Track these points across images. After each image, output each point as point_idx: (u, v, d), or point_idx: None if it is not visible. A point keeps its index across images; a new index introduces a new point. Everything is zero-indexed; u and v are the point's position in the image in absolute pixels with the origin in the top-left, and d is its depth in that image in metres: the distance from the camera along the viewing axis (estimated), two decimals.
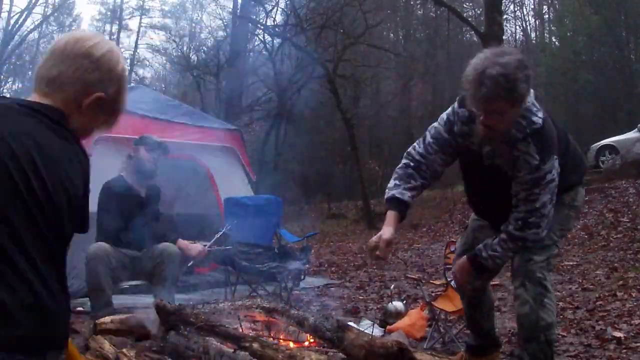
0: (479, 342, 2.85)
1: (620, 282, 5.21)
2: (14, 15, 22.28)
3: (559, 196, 2.36)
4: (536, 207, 2.24)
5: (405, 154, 2.52)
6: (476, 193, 2.62)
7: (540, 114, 2.25)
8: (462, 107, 2.37)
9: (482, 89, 2.08)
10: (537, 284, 2.32)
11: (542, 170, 2.21)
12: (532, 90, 2.24)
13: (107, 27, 30.16)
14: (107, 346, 2.50)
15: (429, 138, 2.47)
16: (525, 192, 2.25)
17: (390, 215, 2.49)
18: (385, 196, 2.51)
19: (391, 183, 2.50)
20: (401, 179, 2.46)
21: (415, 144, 2.51)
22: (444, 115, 2.48)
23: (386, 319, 3.97)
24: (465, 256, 2.55)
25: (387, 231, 2.43)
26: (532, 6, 26.91)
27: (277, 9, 18.07)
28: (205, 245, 3.97)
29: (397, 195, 2.44)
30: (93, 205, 3.84)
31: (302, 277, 5.20)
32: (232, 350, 2.29)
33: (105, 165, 4.99)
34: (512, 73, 2.06)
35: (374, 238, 2.45)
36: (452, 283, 3.76)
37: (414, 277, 4.26)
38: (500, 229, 2.37)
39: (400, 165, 2.51)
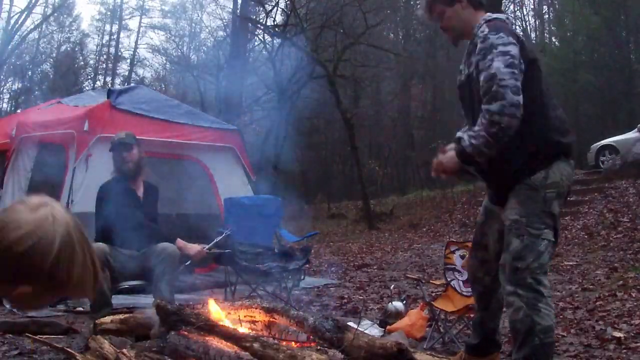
0: (481, 342, 2.83)
1: (620, 282, 5.21)
2: (14, 15, 22.28)
3: (526, 179, 2.30)
4: (492, 74, 2.18)
5: None
6: (468, 117, 2.56)
7: (495, 15, 2.42)
8: None
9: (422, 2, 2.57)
10: (529, 289, 2.25)
11: (489, 39, 2.26)
12: (489, 14, 2.43)
13: (107, 27, 30.24)
14: (107, 346, 2.49)
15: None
16: (481, 62, 2.26)
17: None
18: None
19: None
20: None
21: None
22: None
23: (386, 319, 3.97)
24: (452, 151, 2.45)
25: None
26: (532, 6, 26.92)
27: (277, 9, 18.10)
28: (204, 247, 3.96)
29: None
30: (93, 205, 3.86)
31: (302, 277, 5.20)
32: (233, 350, 2.29)
33: (105, 165, 5.01)
34: None
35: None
36: (452, 283, 3.77)
37: (414, 277, 4.26)
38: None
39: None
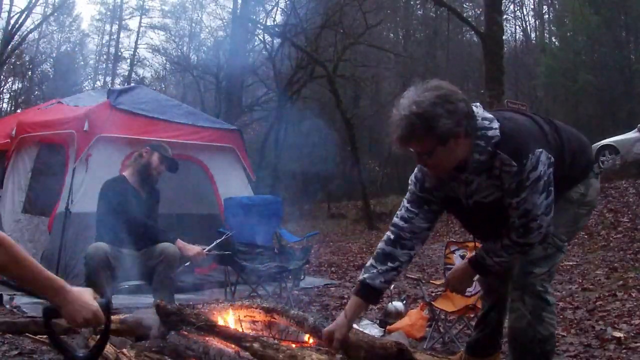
0: (483, 342, 2.77)
1: (620, 282, 5.21)
2: (14, 15, 22.24)
3: (564, 193, 2.19)
4: (528, 210, 2.03)
5: (390, 225, 2.33)
6: (467, 225, 2.50)
7: (494, 125, 2.05)
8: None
9: (398, 131, 1.97)
10: (537, 297, 2.20)
11: (524, 172, 1.99)
12: (477, 105, 2.09)
13: (107, 27, 30.24)
14: (107, 346, 2.49)
15: (406, 203, 2.31)
16: (515, 200, 2.04)
17: (353, 302, 2.21)
18: (359, 277, 2.27)
19: (368, 262, 2.27)
20: (378, 260, 2.23)
21: (397, 211, 2.33)
22: (412, 177, 2.37)
23: (386, 319, 3.97)
24: (464, 261, 2.43)
25: (341, 326, 2.15)
26: (532, 6, 26.93)
27: (277, 9, 18.11)
28: (204, 249, 3.96)
29: (367, 281, 2.19)
30: (93, 205, 3.86)
31: (302, 277, 5.20)
32: (233, 350, 2.29)
33: (105, 164, 5.01)
34: (427, 111, 1.91)
35: (330, 327, 2.18)
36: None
37: (414, 277, 4.26)
38: (501, 234, 2.18)
39: (382, 240, 2.29)
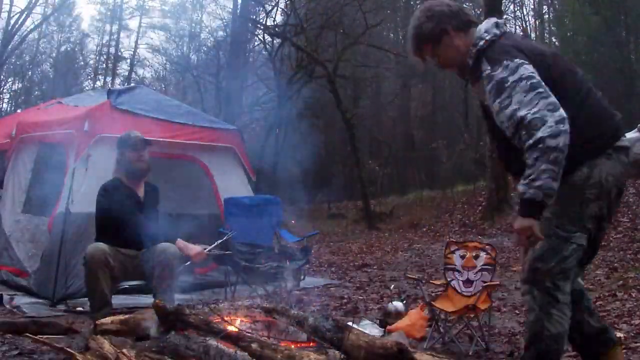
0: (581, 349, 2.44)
1: (620, 282, 5.21)
2: (14, 15, 22.26)
3: (566, 177, 2.05)
4: (515, 110, 2.02)
5: None
6: (492, 139, 2.56)
7: (486, 35, 2.23)
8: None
9: (409, 48, 2.41)
10: (546, 293, 2.15)
11: (494, 78, 2.09)
12: (492, 21, 2.30)
13: (107, 27, 30.24)
14: (107, 346, 2.49)
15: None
16: (498, 104, 2.09)
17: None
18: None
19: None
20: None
21: None
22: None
23: (386, 319, 3.97)
24: (513, 215, 2.41)
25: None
26: (532, 6, 26.88)
27: (277, 9, 18.10)
28: (205, 249, 3.96)
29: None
30: (93, 205, 3.86)
31: (302, 277, 5.20)
32: (233, 350, 2.29)
33: (105, 165, 5.01)
34: (415, 21, 2.35)
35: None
36: (452, 283, 3.78)
37: (414, 277, 4.26)
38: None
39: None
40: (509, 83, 2.06)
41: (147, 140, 3.99)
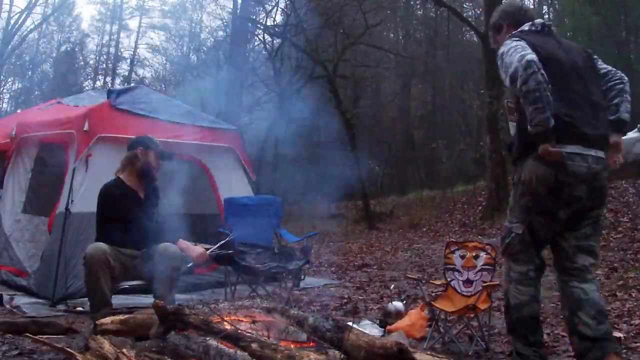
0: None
1: (620, 282, 5.21)
2: (14, 15, 22.29)
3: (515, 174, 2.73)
4: (507, 65, 2.56)
5: None
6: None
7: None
8: None
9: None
10: (506, 273, 2.77)
11: (498, 55, 2.69)
12: (537, 22, 2.80)
13: (107, 27, 30.24)
14: (107, 346, 2.49)
15: None
16: (503, 72, 2.62)
17: None
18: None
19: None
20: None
21: None
22: None
23: (386, 319, 3.97)
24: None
25: None
26: (532, 6, 26.90)
27: (277, 9, 18.10)
28: (206, 249, 3.96)
29: None
30: (93, 205, 3.86)
31: (302, 277, 5.20)
32: (232, 350, 2.29)
33: (105, 164, 5.01)
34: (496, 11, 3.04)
35: None
36: (452, 283, 3.78)
37: (414, 277, 4.26)
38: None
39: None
40: (503, 53, 2.63)
41: (169, 155, 4.09)
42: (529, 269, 2.71)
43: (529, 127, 2.47)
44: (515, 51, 2.52)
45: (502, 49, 2.65)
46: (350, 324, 2.35)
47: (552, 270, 6.56)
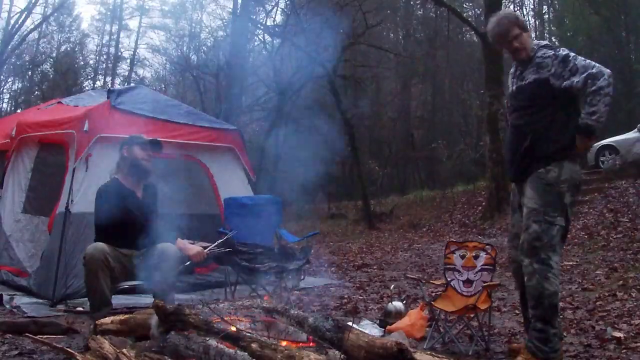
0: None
1: (620, 282, 5.21)
2: (14, 15, 22.26)
3: (541, 174, 2.98)
4: (584, 65, 2.89)
5: None
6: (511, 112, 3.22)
7: (540, 42, 3.18)
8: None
9: (502, 25, 3.12)
10: (542, 263, 2.88)
11: (560, 54, 3.00)
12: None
13: (107, 27, 30.23)
14: (107, 346, 2.49)
15: None
16: (565, 71, 2.93)
17: None
18: None
19: None
20: None
21: None
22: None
23: (386, 319, 3.97)
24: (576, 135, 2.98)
25: None
26: (532, 6, 26.90)
27: (277, 9, 18.09)
28: (205, 248, 3.96)
29: None
30: (92, 206, 3.86)
31: (302, 277, 5.20)
32: (232, 350, 2.29)
33: (105, 164, 5.01)
34: (510, 13, 3.40)
35: None
36: (452, 283, 3.78)
37: (414, 277, 4.26)
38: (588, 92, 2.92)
39: None
40: (571, 56, 2.96)
41: (159, 144, 4.04)
42: (561, 258, 3.05)
43: (594, 121, 2.86)
44: (587, 60, 2.95)
45: (564, 51, 3.01)
46: (350, 324, 2.34)
47: None
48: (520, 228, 3.05)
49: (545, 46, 3.12)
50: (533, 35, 26.41)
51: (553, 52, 3.02)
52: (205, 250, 3.93)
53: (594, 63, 2.94)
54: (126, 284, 3.85)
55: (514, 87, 3.18)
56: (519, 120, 3.10)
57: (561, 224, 2.95)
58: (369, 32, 16.80)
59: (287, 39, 16.14)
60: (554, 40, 25.20)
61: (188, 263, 3.91)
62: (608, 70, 2.90)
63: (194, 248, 3.84)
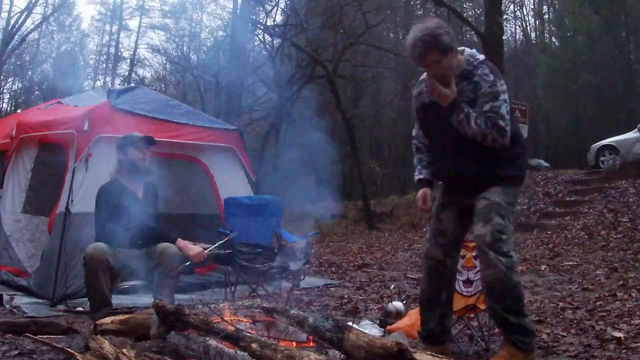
0: (434, 331, 3.13)
1: (620, 282, 5.21)
2: (14, 15, 22.25)
3: (515, 183, 2.99)
4: (502, 114, 2.78)
5: (412, 139, 3.39)
6: (437, 140, 3.11)
7: (481, 56, 2.94)
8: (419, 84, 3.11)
9: (416, 50, 2.81)
10: (508, 256, 2.83)
11: (497, 86, 2.83)
12: (473, 50, 2.95)
13: (107, 27, 30.24)
14: (107, 346, 2.49)
15: (417, 125, 3.30)
16: (489, 104, 2.80)
17: (423, 190, 3.22)
18: (415, 180, 3.29)
19: (415, 172, 3.30)
20: (417, 164, 3.30)
21: (413, 131, 3.38)
22: (414, 99, 3.19)
23: (386, 319, 3.97)
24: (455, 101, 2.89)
25: (420, 192, 3.21)
26: (532, 6, 26.92)
27: (277, 9, 18.09)
28: (205, 249, 3.95)
29: (419, 177, 3.24)
30: (92, 206, 3.86)
31: (302, 277, 5.20)
32: (232, 350, 2.29)
33: (105, 165, 5.01)
34: (433, 31, 2.79)
35: (420, 202, 3.19)
36: None
37: (414, 277, 4.26)
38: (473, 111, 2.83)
39: (414, 150, 3.37)
40: (502, 97, 2.84)
41: (151, 139, 4.03)
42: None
43: (463, 122, 2.82)
44: (508, 114, 2.85)
45: (499, 86, 2.84)
46: (350, 324, 2.34)
47: (551, 270, 6.56)
48: (448, 226, 3.08)
49: (484, 63, 2.88)
50: (533, 35, 26.47)
51: (492, 77, 2.83)
52: (206, 251, 3.93)
53: (508, 118, 2.81)
54: (126, 284, 3.85)
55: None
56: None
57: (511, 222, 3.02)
58: (369, 32, 16.79)
59: (287, 39, 16.15)
60: (553, 40, 25.23)
61: (188, 263, 3.92)
62: (506, 140, 2.82)
63: (195, 248, 3.84)
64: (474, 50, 2.97)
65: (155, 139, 4.21)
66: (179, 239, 3.82)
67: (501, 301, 2.83)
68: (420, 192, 3.19)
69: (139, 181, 3.95)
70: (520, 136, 3.06)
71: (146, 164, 3.94)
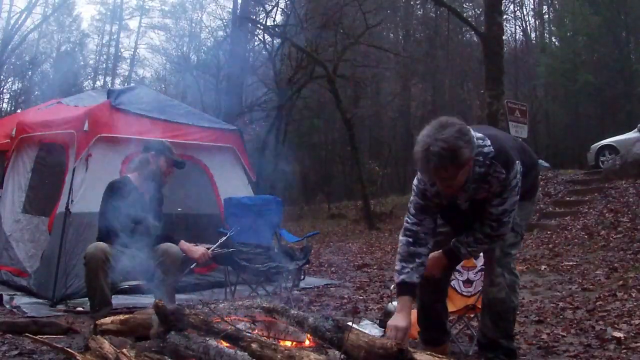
0: (435, 335, 3.06)
1: (620, 282, 5.21)
2: (14, 15, 22.27)
3: (530, 197, 2.84)
4: (506, 209, 2.56)
5: (402, 230, 2.71)
6: (452, 223, 2.83)
7: (487, 142, 2.50)
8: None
9: (430, 164, 2.33)
10: (512, 273, 2.76)
11: (508, 179, 2.50)
12: (470, 129, 2.43)
13: (107, 27, 30.25)
14: (107, 346, 2.49)
15: (412, 210, 2.70)
16: (497, 199, 2.54)
17: (403, 300, 2.63)
18: (395, 280, 2.68)
19: (397, 265, 2.67)
20: (406, 260, 2.64)
21: (406, 217, 2.73)
22: (414, 187, 2.71)
23: (386, 319, 3.96)
24: (440, 251, 2.77)
25: (401, 319, 2.58)
26: (532, 6, 26.93)
27: (277, 9, 18.08)
28: (208, 249, 3.96)
29: (407, 280, 2.61)
30: (93, 205, 3.86)
31: (302, 277, 5.20)
32: (232, 350, 2.29)
33: (105, 164, 5.01)
34: (453, 144, 2.29)
35: (391, 333, 2.55)
36: (452, 283, 3.77)
37: None
38: (474, 229, 2.67)
39: (401, 244, 2.68)
40: (511, 186, 2.53)
41: (183, 165, 4.13)
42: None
43: (465, 252, 2.73)
44: (515, 206, 2.62)
45: (512, 179, 2.50)
46: (350, 324, 2.34)
47: (551, 270, 6.55)
48: (447, 236, 2.80)
49: (495, 159, 2.47)
50: (533, 35, 26.45)
51: (504, 175, 2.47)
52: (209, 251, 3.94)
53: (515, 208, 2.58)
54: (126, 284, 3.85)
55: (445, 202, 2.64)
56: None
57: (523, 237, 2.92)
58: (369, 32, 16.79)
59: (287, 39, 16.14)
60: (553, 40, 25.22)
61: (193, 265, 3.93)
62: (508, 231, 2.65)
63: (199, 250, 3.86)
64: (479, 140, 2.48)
65: (155, 138, 4.21)
66: (182, 241, 3.83)
67: (497, 324, 2.77)
68: (398, 316, 2.60)
69: (150, 188, 3.95)
70: (532, 159, 2.87)
71: (164, 180, 3.99)
